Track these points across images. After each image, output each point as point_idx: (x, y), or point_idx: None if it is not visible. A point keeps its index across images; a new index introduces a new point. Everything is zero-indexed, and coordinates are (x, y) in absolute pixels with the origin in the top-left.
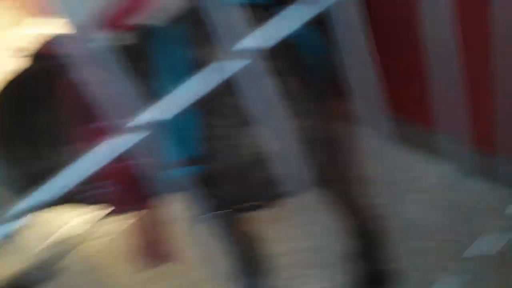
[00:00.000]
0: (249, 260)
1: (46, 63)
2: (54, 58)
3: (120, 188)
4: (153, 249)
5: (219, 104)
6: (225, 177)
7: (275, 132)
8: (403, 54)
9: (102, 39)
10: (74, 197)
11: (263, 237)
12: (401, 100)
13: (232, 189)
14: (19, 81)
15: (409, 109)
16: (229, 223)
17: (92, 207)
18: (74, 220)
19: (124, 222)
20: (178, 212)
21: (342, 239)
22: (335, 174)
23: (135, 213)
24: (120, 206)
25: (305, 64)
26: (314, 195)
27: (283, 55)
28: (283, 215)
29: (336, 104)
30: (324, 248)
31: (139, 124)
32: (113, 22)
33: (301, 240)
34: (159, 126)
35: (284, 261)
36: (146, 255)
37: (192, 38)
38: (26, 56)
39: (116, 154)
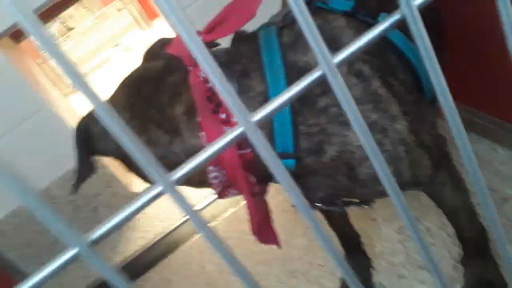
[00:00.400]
0: (351, 255)
1: (169, 61)
2: (174, 57)
3: (232, 172)
4: (261, 229)
5: (313, 103)
6: (315, 173)
7: (367, 133)
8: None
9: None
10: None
11: (362, 235)
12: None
13: (323, 185)
14: (148, 78)
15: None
16: (327, 216)
17: (211, 189)
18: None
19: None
20: (283, 201)
21: (449, 243)
22: (433, 177)
23: (246, 196)
24: (230, 189)
25: (404, 67)
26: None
27: (381, 57)
28: (380, 214)
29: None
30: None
31: (250, 119)
32: (214, 28)
33: (401, 241)
34: (264, 122)
35: (384, 261)
36: (256, 234)
37: (290, 42)
38: (150, 55)
39: (228, 144)
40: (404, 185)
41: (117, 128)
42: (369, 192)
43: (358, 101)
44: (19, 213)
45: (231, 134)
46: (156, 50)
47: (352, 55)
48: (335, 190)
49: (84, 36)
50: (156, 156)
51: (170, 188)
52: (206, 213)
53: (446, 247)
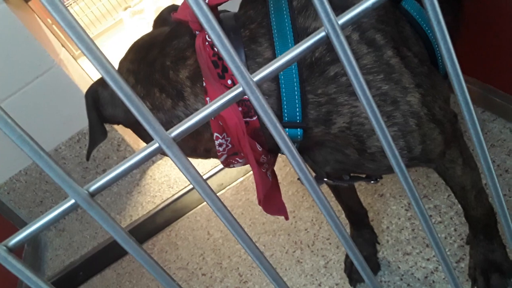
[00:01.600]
0: (357, 229)
1: (176, 27)
2: (180, 23)
3: (237, 139)
4: (268, 199)
5: (322, 71)
6: (323, 146)
7: (369, 99)
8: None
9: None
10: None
11: (369, 210)
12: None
13: (330, 159)
14: (153, 43)
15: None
16: (334, 189)
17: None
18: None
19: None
20: (291, 173)
21: (457, 221)
22: (442, 153)
23: (252, 165)
24: (235, 158)
25: (419, 39)
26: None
27: (396, 27)
28: (389, 190)
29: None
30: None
31: (249, 79)
32: None
33: (409, 218)
34: (272, 90)
35: (390, 237)
36: (262, 204)
37: (301, 7)
38: (159, 22)
39: (227, 104)
40: (414, 160)
41: (119, 88)
42: (377, 166)
43: (369, 71)
44: (30, 172)
45: (231, 93)
46: (165, 17)
47: (358, 16)
48: (343, 164)
49: None
50: (160, 120)
51: (168, 145)
52: (214, 182)
53: (454, 225)
